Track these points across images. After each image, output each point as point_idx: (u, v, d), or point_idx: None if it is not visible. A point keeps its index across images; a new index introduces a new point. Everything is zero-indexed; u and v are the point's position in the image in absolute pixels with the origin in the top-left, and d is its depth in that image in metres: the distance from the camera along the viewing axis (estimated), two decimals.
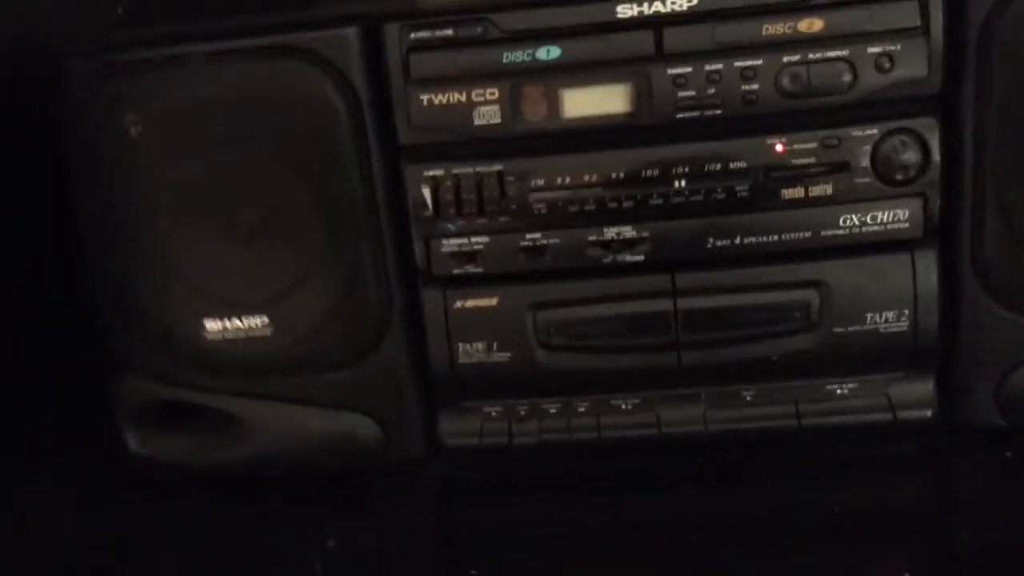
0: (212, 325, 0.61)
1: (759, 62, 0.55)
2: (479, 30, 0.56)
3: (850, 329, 0.58)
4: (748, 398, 0.61)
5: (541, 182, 0.58)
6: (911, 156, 0.56)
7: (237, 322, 0.60)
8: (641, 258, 0.58)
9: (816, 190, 0.57)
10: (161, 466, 0.63)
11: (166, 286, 0.60)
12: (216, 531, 0.60)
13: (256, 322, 0.60)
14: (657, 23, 0.55)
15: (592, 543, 0.55)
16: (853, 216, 0.57)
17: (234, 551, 0.58)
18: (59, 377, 0.69)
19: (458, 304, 0.60)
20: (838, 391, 0.60)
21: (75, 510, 0.63)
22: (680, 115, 0.55)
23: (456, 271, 0.59)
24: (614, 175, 0.57)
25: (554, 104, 0.56)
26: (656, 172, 0.57)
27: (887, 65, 0.55)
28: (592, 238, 0.58)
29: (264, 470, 0.62)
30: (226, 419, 0.63)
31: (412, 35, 0.56)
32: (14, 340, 0.67)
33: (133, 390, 0.63)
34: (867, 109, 0.56)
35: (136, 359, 0.62)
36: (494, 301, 0.60)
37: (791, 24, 0.55)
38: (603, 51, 0.55)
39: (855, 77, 0.55)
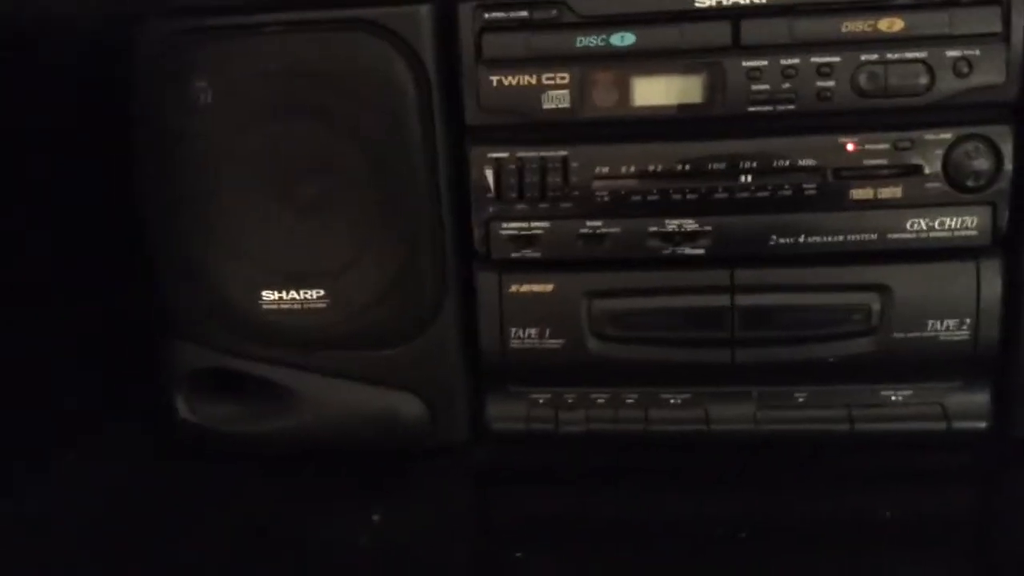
0: (269, 295, 0.60)
1: (837, 59, 0.54)
2: (554, 13, 0.55)
3: (910, 335, 0.57)
4: (800, 400, 0.60)
5: (605, 169, 0.57)
6: (983, 163, 0.55)
7: (294, 294, 0.60)
8: (701, 252, 0.57)
9: (885, 192, 0.56)
10: (208, 434, 0.63)
11: (224, 254, 0.60)
12: (259, 502, 0.59)
13: (312, 295, 0.60)
14: (735, 14, 0.54)
15: (633, 537, 0.54)
16: (921, 221, 0.56)
17: (276, 522, 0.57)
18: (112, 343, 0.69)
19: (513, 288, 0.60)
20: (893, 398, 0.59)
21: (122, 476, 0.63)
22: (752, 108, 0.54)
23: (514, 255, 0.59)
24: (680, 166, 0.56)
25: (625, 91, 0.55)
26: (723, 165, 0.56)
27: (965, 70, 0.54)
28: (653, 229, 0.57)
29: (310, 443, 0.62)
30: (275, 390, 0.62)
31: (486, 15, 0.56)
32: (69, 304, 0.68)
33: (185, 356, 0.62)
34: (942, 113, 0.55)
35: (190, 326, 0.62)
36: (549, 287, 0.59)
37: (871, 23, 0.53)
38: (678, 40, 0.54)
39: (932, 80, 0.54)
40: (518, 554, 0.53)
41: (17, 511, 0.59)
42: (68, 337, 0.66)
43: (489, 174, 0.58)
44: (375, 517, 0.56)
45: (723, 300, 0.58)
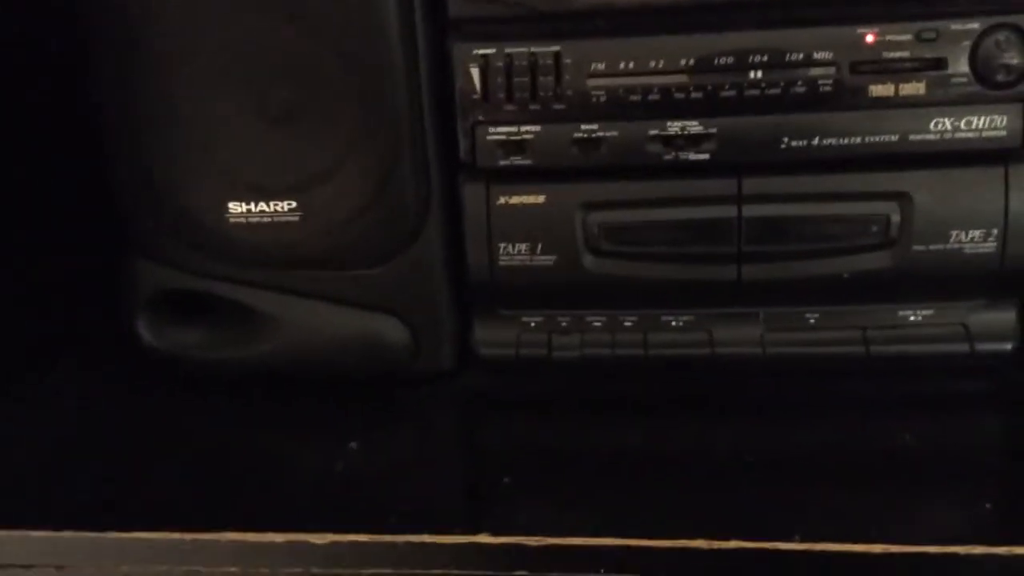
0: (236, 208, 0.54)
1: None
2: None
3: (931, 248, 0.51)
4: (812, 321, 0.54)
5: (602, 66, 0.51)
6: (1014, 56, 0.49)
7: (263, 206, 0.54)
8: (706, 157, 0.51)
9: (907, 88, 0.50)
10: (175, 361, 0.57)
11: (188, 165, 0.54)
12: (231, 431, 0.54)
13: (283, 207, 0.54)
14: None
15: (630, 467, 0.48)
16: (945, 120, 0.50)
17: (250, 451, 0.52)
18: (76, 262, 0.64)
19: (502, 200, 0.54)
20: (911, 318, 0.53)
21: (87, 405, 0.57)
22: None
23: (502, 163, 0.53)
24: (684, 62, 0.50)
25: None
26: (730, 60, 0.50)
27: None
28: (654, 132, 0.51)
29: (285, 370, 0.56)
30: (247, 313, 0.56)
31: None
32: (28, 223, 0.62)
33: (147, 277, 0.56)
34: (969, 1, 0.49)
35: (152, 243, 0.56)
36: (541, 199, 0.54)
37: None
38: None
39: None
40: (506, 479, 0.47)
41: None
42: (26, 261, 0.61)
43: (475, 73, 0.52)
44: (352, 445, 0.51)
45: (729, 211, 0.52)
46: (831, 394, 0.54)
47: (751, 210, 0.52)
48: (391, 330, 0.56)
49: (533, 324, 0.56)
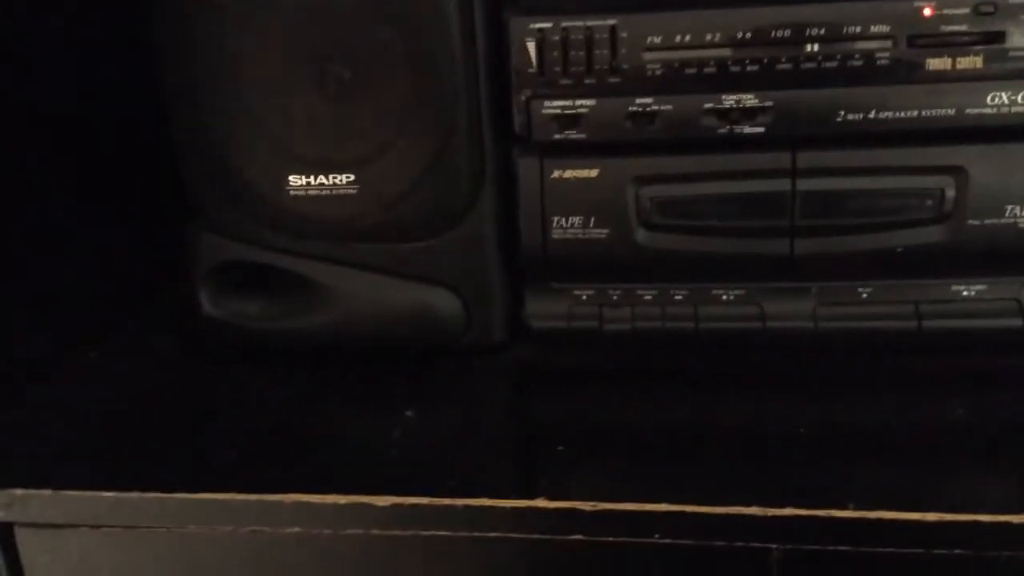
0: (296, 181, 0.55)
1: None
2: None
3: (986, 222, 0.51)
4: (864, 295, 0.54)
5: (658, 40, 0.51)
6: None
7: (322, 179, 0.55)
8: (761, 130, 0.51)
9: (964, 62, 0.49)
10: (234, 330, 0.58)
11: (249, 140, 0.55)
12: (288, 399, 0.55)
13: (341, 179, 0.55)
14: None
15: (680, 439, 0.48)
16: (1002, 94, 0.49)
17: (309, 418, 0.53)
18: (139, 234, 0.65)
19: (556, 174, 0.54)
20: (965, 292, 0.53)
21: (147, 375, 0.59)
22: None
23: (557, 136, 0.53)
24: (739, 35, 0.50)
25: None
26: (787, 33, 0.50)
27: None
28: (709, 106, 0.51)
29: (340, 340, 0.57)
30: (303, 285, 0.57)
31: None
32: (94, 195, 0.63)
33: (209, 249, 0.57)
34: None
35: (214, 217, 0.57)
36: (594, 172, 0.54)
37: None
38: None
39: None
40: (559, 448, 0.48)
41: (38, 408, 0.55)
42: (89, 233, 0.62)
43: (531, 47, 0.52)
44: (408, 413, 0.52)
45: (783, 185, 0.52)
46: (883, 369, 0.53)
47: (805, 184, 0.52)
48: (444, 302, 0.57)
49: (584, 297, 0.57)
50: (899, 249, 0.52)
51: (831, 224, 0.52)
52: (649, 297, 0.56)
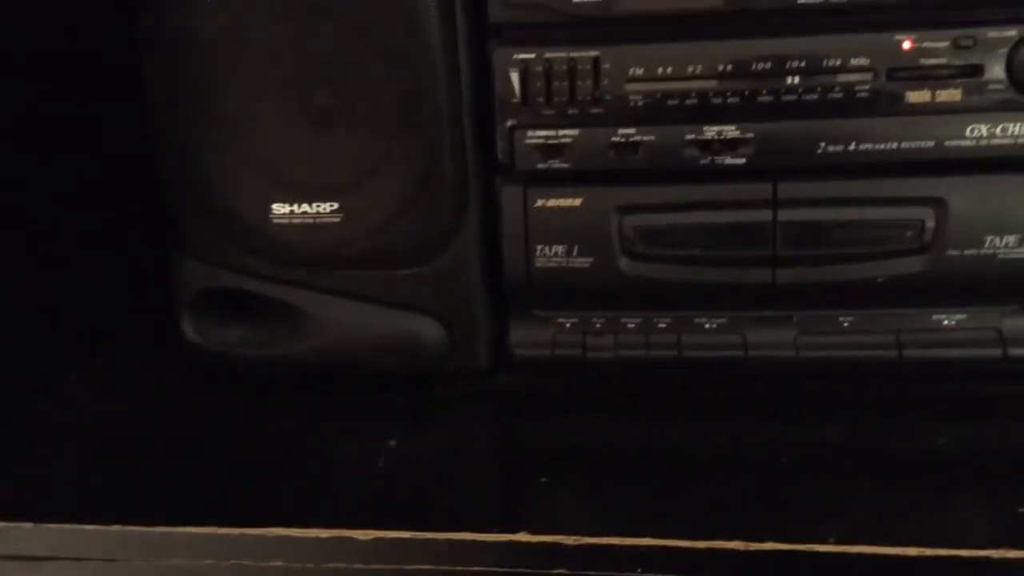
0: (280, 209, 0.55)
1: None
2: None
3: (966, 253, 0.51)
4: (845, 324, 0.54)
5: (640, 71, 0.51)
6: None
7: (306, 207, 0.55)
8: (742, 162, 0.51)
9: (943, 95, 0.49)
10: (217, 357, 0.58)
11: (234, 167, 0.54)
12: (270, 427, 0.55)
13: (325, 207, 0.55)
14: None
15: (663, 468, 0.49)
16: (981, 127, 0.50)
17: (292, 447, 0.52)
18: (123, 260, 0.65)
19: (539, 203, 0.54)
20: (945, 322, 0.53)
21: (128, 401, 0.58)
22: (802, 1, 0.49)
23: (540, 166, 0.53)
24: (721, 67, 0.50)
25: None
26: (768, 65, 0.50)
27: None
28: (691, 137, 0.51)
29: (323, 368, 0.57)
30: (287, 312, 0.57)
31: None
32: (75, 222, 0.63)
33: (193, 275, 0.57)
34: (1006, 8, 0.49)
35: (198, 243, 0.56)
36: (578, 202, 0.54)
37: None
38: None
39: None
40: (543, 478, 0.48)
41: (19, 436, 0.55)
42: (70, 257, 0.62)
43: (514, 77, 0.52)
44: (391, 443, 0.52)
45: (764, 215, 0.52)
46: (865, 397, 0.54)
47: (786, 214, 0.52)
48: (428, 329, 0.57)
49: (568, 325, 0.57)
50: (879, 279, 0.52)
51: (812, 254, 0.52)
52: (632, 325, 0.56)
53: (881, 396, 0.54)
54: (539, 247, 0.55)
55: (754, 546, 0.41)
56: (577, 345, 0.56)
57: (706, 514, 0.44)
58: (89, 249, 0.64)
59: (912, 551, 0.41)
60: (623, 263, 0.54)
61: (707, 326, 0.55)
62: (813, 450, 0.49)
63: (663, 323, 0.56)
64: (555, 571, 0.43)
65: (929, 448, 0.49)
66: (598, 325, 0.56)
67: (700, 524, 0.43)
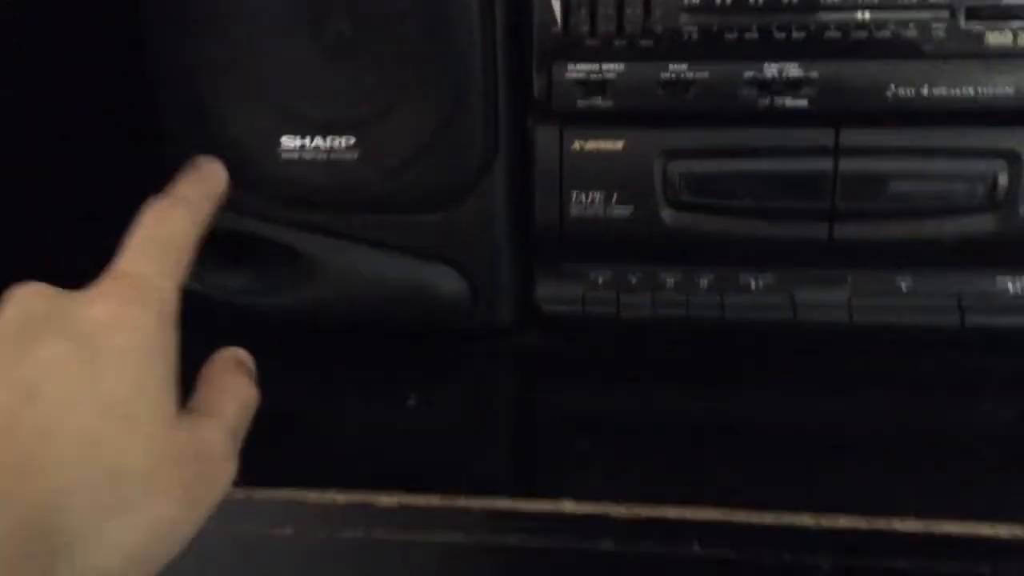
0: (290, 143, 0.50)
1: None
2: None
3: None
4: (903, 287, 0.50)
5: (696, 0, 0.46)
6: None
7: (319, 141, 0.49)
8: (804, 104, 0.46)
9: None
10: (216, 305, 0.52)
11: (239, 95, 0.49)
12: (278, 381, 0.49)
13: (341, 143, 0.49)
14: None
15: (715, 438, 0.44)
16: None
17: (300, 403, 0.47)
18: (108, 200, 0.59)
19: (577, 146, 0.49)
20: (1011, 287, 0.49)
21: None
22: None
23: (580, 104, 0.48)
24: None
25: None
26: None
27: None
28: (749, 75, 0.46)
29: (333, 319, 0.51)
30: (295, 257, 0.51)
31: None
32: (67, 148, 0.57)
33: None
34: None
35: None
36: (620, 144, 0.49)
37: None
38: None
39: None
40: (582, 444, 0.43)
41: None
42: (58, 193, 0.56)
43: (556, 3, 0.46)
44: (410, 400, 0.47)
45: (824, 164, 0.47)
46: (921, 368, 0.49)
47: (848, 164, 0.47)
48: (447, 281, 0.52)
49: (601, 281, 0.52)
50: (944, 239, 0.48)
51: (873, 208, 0.48)
52: (671, 283, 0.51)
53: (941, 367, 0.49)
54: (574, 194, 0.50)
55: (826, 522, 0.37)
56: (610, 302, 0.51)
57: (769, 487, 0.40)
58: (76, 187, 0.58)
59: (1003, 531, 0.36)
60: (666, 213, 0.49)
61: (753, 285, 0.50)
62: (877, 421, 0.45)
63: (705, 281, 0.51)
64: (601, 544, 0.38)
65: (993, 425, 0.45)
66: (634, 281, 0.51)
67: (763, 496, 0.38)
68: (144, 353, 0.30)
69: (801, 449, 0.42)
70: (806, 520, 0.37)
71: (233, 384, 0.35)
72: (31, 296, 0.31)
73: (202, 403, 0.33)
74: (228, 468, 0.33)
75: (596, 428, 0.44)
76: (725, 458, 0.42)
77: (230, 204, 0.50)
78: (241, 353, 0.37)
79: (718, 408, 0.46)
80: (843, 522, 0.37)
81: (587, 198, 0.49)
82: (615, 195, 0.49)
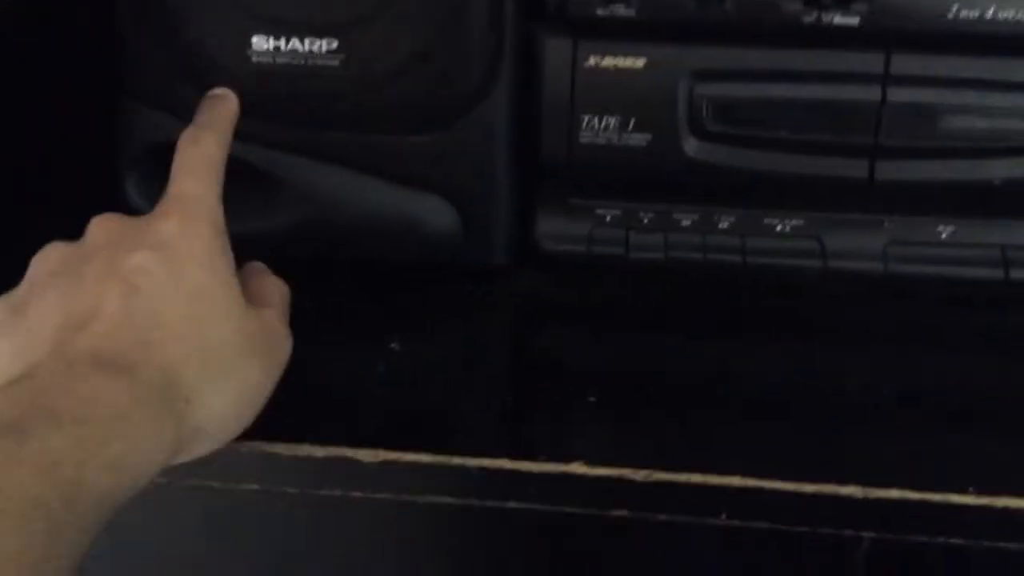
0: (261, 44, 0.43)
1: None
2: None
3: None
4: (944, 235, 0.45)
5: None
6: None
7: (296, 44, 0.43)
8: (855, 22, 0.41)
9: None
10: None
11: None
12: None
13: (321, 47, 0.43)
14: None
15: (737, 398, 0.39)
16: None
17: None
18: (64, 107, 0.52)
19: (592, 61, 0.44)
20: None
21: None
22: None
23: (599, 12, 0.43)
24: None
25: None
26: None
27: None
28: None
29: (306, 251, 0.46)
30: (264, 179, 0.46)
31: None
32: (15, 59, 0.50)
33: (144, 126, 0.45)
34: None
35: (154, 85, 0.45)
36: (641, 62, 0.43)
37: None
38: None
39: None
40: (591, 398, 0.38)
41: None
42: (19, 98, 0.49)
43: None
44: (393, 345, 0.42)
45: (871, 92, 0.42)
46: (960, 325, 0.45)
47: (898, 94, 0.42)
48: (437, 213, 0.46)
49: (609, 218, 0.47)
50: (997, 182, 0.43)
51: (922, 146, 0.43)
52: (688, 223, 0.46)
53: (983, 325, 0.45)
54: (586, 118, 0.44)
55: (876, 493, 0.33)
56: (619, 242, 0.46)
57: (803, 453, 0.35)
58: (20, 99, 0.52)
59: None
60: (689, 144, 0.44)
61: (779, 228, 0.46)
62: (917, 383, 0.40)
63: (726, 222, 0.46)
64: (615, 512, 0.34)
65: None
66: (646, 220, 0.46)
67: (801, 464, 0.34)
68: (209, 254, 0.36)
69: (838, 412, 0.38)
70: (853, 491, 0.33)
71: (270, 281, 0.40)
72: (111, 220, 0.38)
73: (251, 297, 0.38)
74: (287, 346, 0.38)
75: (599, 383, 0.39)
76: (748, 419, 0.38)
77: (186, 114, 0.45)
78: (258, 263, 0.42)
79: (738, 364, 0.42)
80: (893, 494, 0.32)
81: (600, 123, 0.44)
82: (632, 121, 0.44)
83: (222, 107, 0.42)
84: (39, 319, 0.34)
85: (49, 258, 0.37)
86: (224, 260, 0.37)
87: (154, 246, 0.35)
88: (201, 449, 0.34)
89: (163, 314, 0.34)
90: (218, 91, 0.42)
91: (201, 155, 0.39)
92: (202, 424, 0.33)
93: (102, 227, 0.37)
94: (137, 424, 0.31)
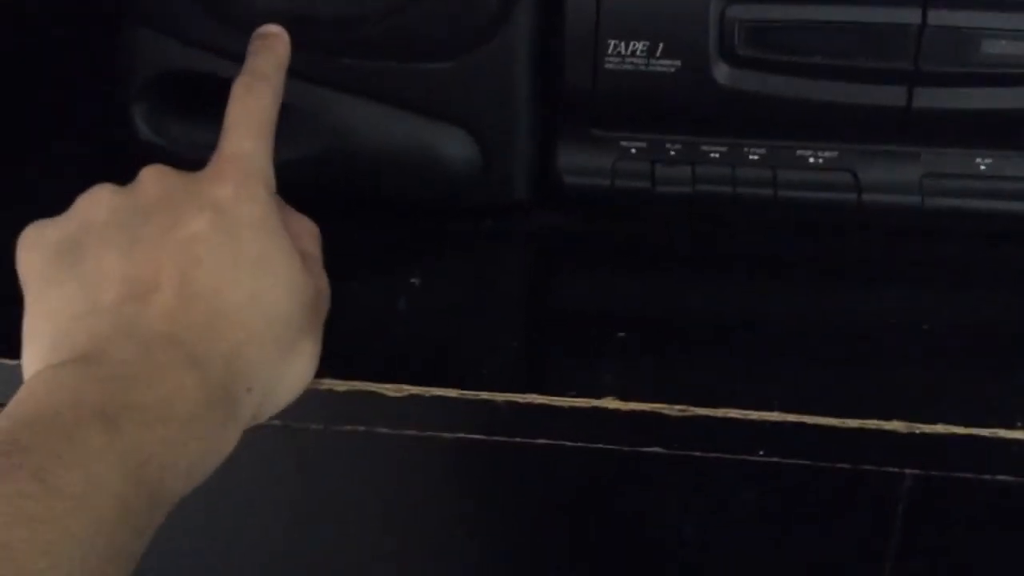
0: None
1: None
2: None
3: None
4: (982, 167, 0.44)
5: None
6: None
7: None
8: None
9: None
10: (179, 161, 0.45)
11: None
12: None
13: None
14: None
15: (773, 336, 0.38)
16: None
17: None
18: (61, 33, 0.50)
19: None
20: None
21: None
22: None
23: None
24: None
25: None
26: None
27: None
28: None
29: (317, 182, 0.44)
30: (281, 109, 0.44)
31: None
32: None
33: (150, 52, 0.44)
34: None
35: (159, 8, 0.43)
36: None
37: None
38: None
39: None
40: (620, 334, 0.37)
41: None
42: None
43: None
44: (414, 280, 0.41)
45: (911, 15, 0.41)
46: (1003, 260, 0.44)
47: (940, 16, 0.41)
48: (455, 144, 0.45)
49: (634, 150, 0.45)
50: None
51: (962, 72, 0.42)
52: (717, 155, 0.45)
53: (1021, 259, 0.44)
54: (612, 43, 0.43)
55: (921, 428, 0.32)
56: (644, 175, 0.45)
57: (845, 389, 0.34)
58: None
59: None
60: (719, 70, 0.43)
61: (812, 160, 0.45)
62: (962, 320, 0.39)
63: (756, 154, 0.45)
64: (649, 449, 0.33)
65: None
66: (673, 152, 0.45)
67: (842, 400, 0.33)
68: (265, 219, 0.35)
69: (878, 349, 0.37)
70: (897, 426, 0.32)
71: (303, 224, 0.39)
72: (165, 175, 0.36)
73: (293, 240, 0.36)
74: (328, 303, 0.37)
75: (628, 319, 0.39)
76: (785, 356, 0.37)
77: (196, 39, 0.43)
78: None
79: (773, 302, 0.41)
80: (939, 429, 0.32)
81: (626, 48, 0.43)
82: (660, 46, 0.42)
83: (275, 51, 0.40)
84: (97, 274, 0.32)
85: (100, 202, 0.35)
86: (279, 221, 0.35)
87: (212, 210, 0.34)
88: (252, 423, 0.33)
89: (225, 290, 0.32)
90: (271, 29, 0.40)
91: (256, 108, 0.37)
92: (260, 410, 0.33)
93: (154, 181, 0.35)
94: (209, 426, 0.30)
